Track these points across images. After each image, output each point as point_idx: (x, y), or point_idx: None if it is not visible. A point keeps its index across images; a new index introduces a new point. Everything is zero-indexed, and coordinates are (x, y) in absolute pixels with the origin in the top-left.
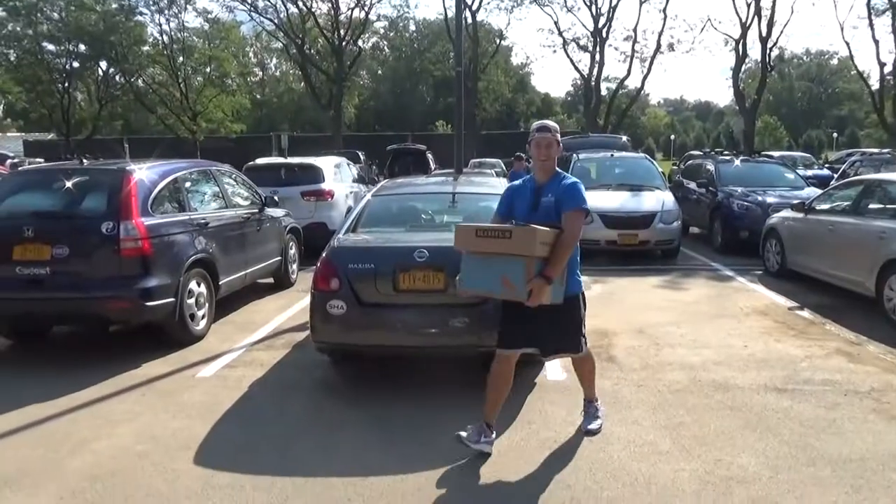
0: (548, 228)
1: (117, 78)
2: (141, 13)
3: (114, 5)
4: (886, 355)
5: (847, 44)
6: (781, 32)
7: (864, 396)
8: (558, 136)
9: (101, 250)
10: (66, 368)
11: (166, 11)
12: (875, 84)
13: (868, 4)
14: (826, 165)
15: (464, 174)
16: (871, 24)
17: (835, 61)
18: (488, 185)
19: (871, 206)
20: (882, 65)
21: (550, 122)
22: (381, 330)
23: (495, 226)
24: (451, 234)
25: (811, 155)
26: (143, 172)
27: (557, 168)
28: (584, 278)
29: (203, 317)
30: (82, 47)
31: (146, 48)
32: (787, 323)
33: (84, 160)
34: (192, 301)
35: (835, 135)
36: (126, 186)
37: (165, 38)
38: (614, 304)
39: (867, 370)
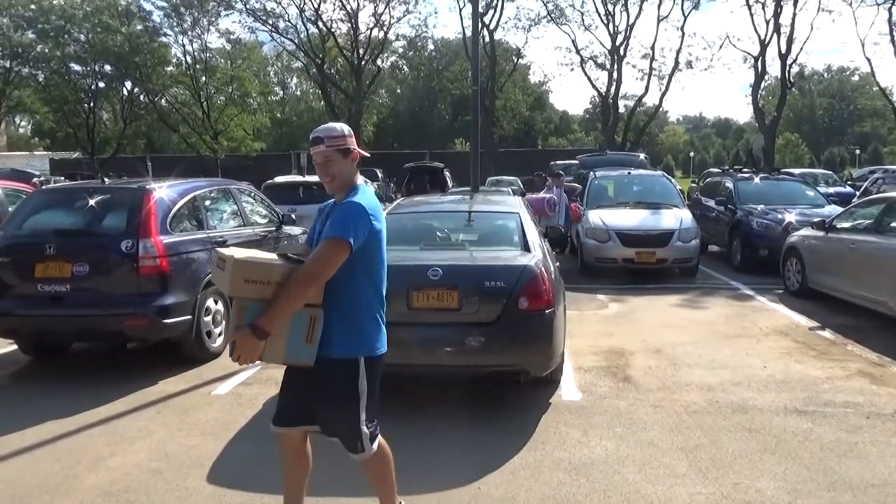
0: (265, 261)
1: (141, 98)
2: (165, 34)
3: (139, 27)
4: None
5: (868, 60)
6: (801, 49)
7: (888, 419)
8: (345, 142)
9: (121, 268)
10: (83, 385)
11: (190, 33)
12: None
13: (889, 20)
14: (849, 182)
15: (480, 192)
16: (892, 40)
17: (856, 77)
18: (505, 204)
19: (894, 224)
20: None
21: (328, 127)
22: (395, 349)
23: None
24: (464, 252)
25: (832, 172)
26: (163, 191)
27: (360, 184)
28: (601, 297)
29: (220, 334)
30: (108, 68)
31: (170, 68)
32: (807, 343)
33: (105, 178)
34: (208, 318)
35: (857, 151)
36: (146, 205)
37: (189, 58)
38: (631, 323)
39: (891, 392)
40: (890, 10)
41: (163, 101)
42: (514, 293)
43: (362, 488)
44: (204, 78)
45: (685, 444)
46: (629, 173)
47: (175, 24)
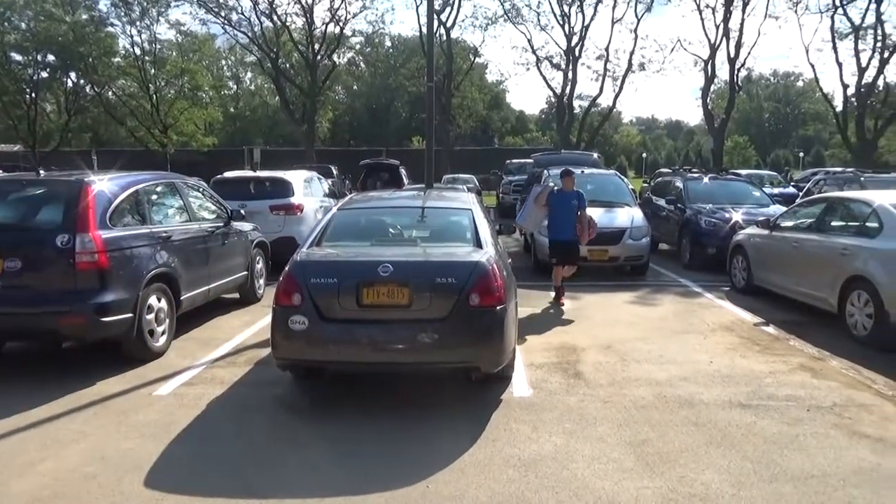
0: None
1: (87, 89)
2: (112, 24)
3: (84, 16)
4: (849, 370)
5: (812, 66)
6: (749, 54)
7: (827, 412)
8: None
9: (56, 264)
10: (16, 387)
11: (138, 23)
12: (839, 105)
13: (832, 28)
14: (792, 183)
15: (434, 189)
16: (834, 48)
17: (800, 83)
18: (458, 200)
19: (834, 223)
20: (845, 87)
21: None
22: (344, 346)
23: None
24: (416, 248)
25: (777, 173)
26: (103, 184)
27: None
28: (553, 293)
29: (163, 333)
30: (51, 58)
31: (117, 59)
32: (752, 339)
33: (41, 171)
34: (151, 317)
35: (801, 154)
36: (84, 198)
37: (137, 49)
38: (583, 320)
39: (830, 385)
40: (832, 18)
41: (109, 93)
42: (466, 289)
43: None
44: (153, 70)
45: (633, 438)
46: (583, 172)
47: (123, 13)
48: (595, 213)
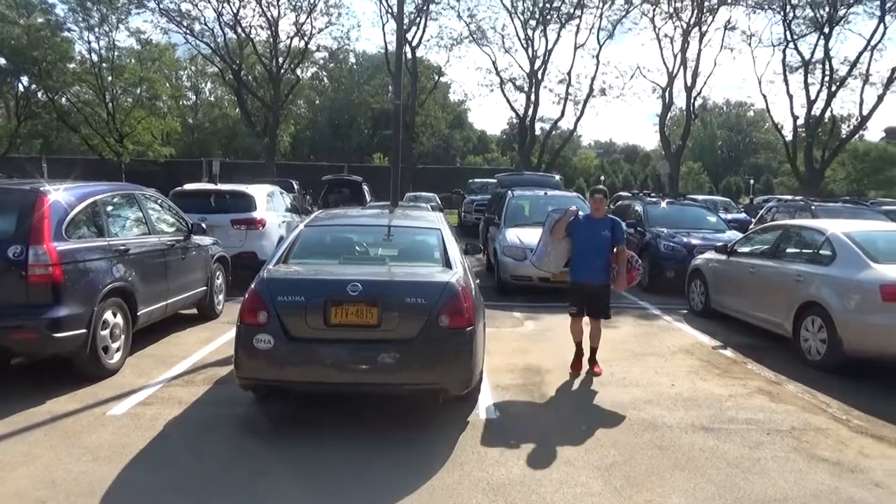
0: None
1: (39, 94)
2: (69, 29)
3: (40, 20)
4: (804, 394)
5: (764, 97)
6: (705, 83)
7: (786, 435)
8: None
9: (7, 276)
10: None
11: (97, 29)
12: (789, 135)
13: (783, 61)
14: (743, 209)
15: (400, 207)
16: (785, 80)
17: (751, 113)
18: (424, 220)
19: (789, 250)
20: (795, 118)
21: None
22: (311, 366)
23: None
24: (385, 267)
25: (730, 199)
26: (59, 194)
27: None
28: (517, 314)
29: (118, 349)
30: (2, 61)
31: (72, 65)
32: (711, 362)
33: None
34: (106, 332)
35: (752, 181)
36: (39, 208)
37: (94, 56)
38: (547, 341)
39: (787, 409)
40: (784, 51)
41: (63, 99)
42: (435, 310)
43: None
44: (110, 77)
45: (600, 462)
46: (546, 193)
47: (81, 19)
48: None
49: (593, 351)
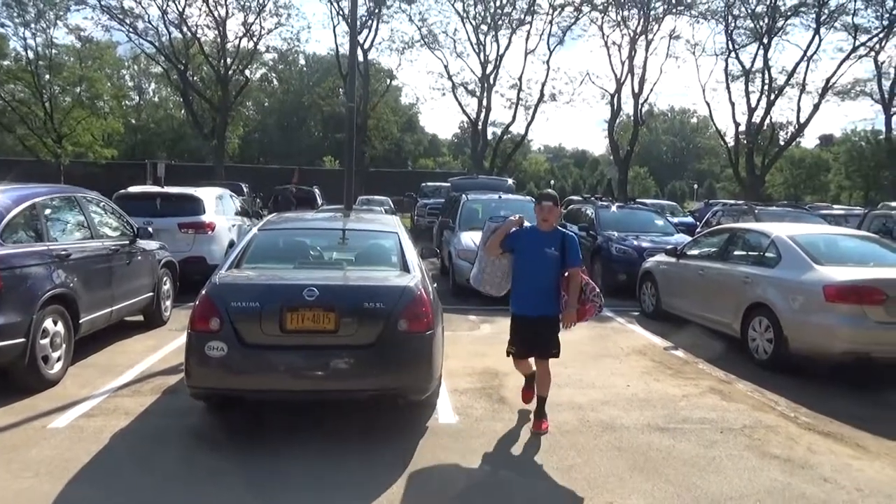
0: None
1: None
2: (3, 25)
3: None
4: (754, 393)
5: (707, 104)
6: (651, 90)
7: (738, 433)
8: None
9: None
10: None
11: (33, 25)
12: (731, 141)
13: (725, 70)
14: (688, 213)
15: (354, 210)
16: (727, 88)
17: (695, 119)
18: (381, 223)
19: (736, 252)
20: (737, 124)
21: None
22: (266, 373)
23: None
24: (341, 272)
25: (676, 203)
26: None
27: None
28: (473, 317)
29: (59, 359)
30: None
31: (6, 62)
32: (663, 363)
33: None
34: (46, 341)
35: (695, 186)
36: None
37: (30, 53)
38: (503, 344)
39: (738, 408)
40: (727, 61)
41: None
42: (394, 315)
43: None
44: (48, 76)
45: (560, 464)
46: (500, 197)
47: (15, 14)
48: None
49: (541, 401)
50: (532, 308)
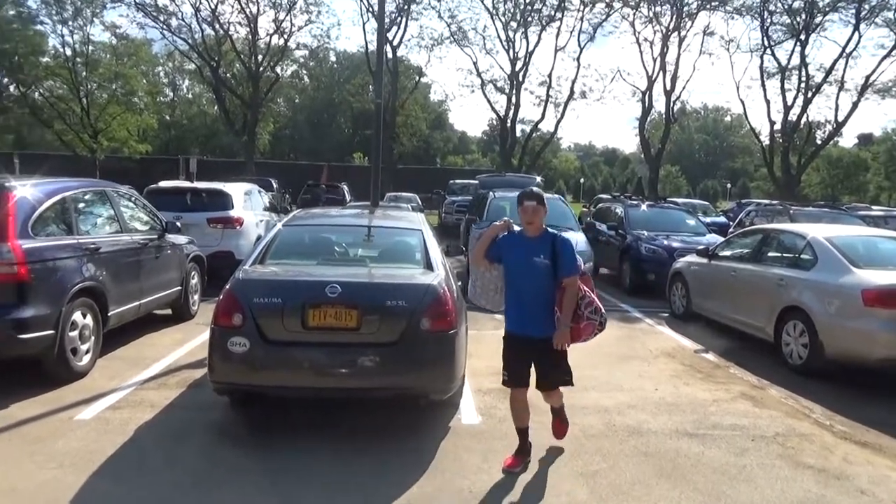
0: None
1: (11, 89)
2: (42, 22)
3: (11, 12)
4: (787, 399)
5: (742, 102)
6: (684, 87)
7: (771, 441)
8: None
9: None
10: None
11: (71, 23)
12: (765, 140)
13: (761, 67)
14: (721, 213)
15: (380, 207)
16: (763, 86)
17: (729, 117)
18: (406, 220)
19: (771, 254)
20: (772, 123)
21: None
22: (288, 370)
23: None
24: (365, 269)
25: (709, 203)
26: (26, 190)
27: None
28: (499, 316)
29: (87, 351)
30: None
31: (45, 59)
32: (693, 366)
33: None
34: (75, 334)
35: (728, 185)
36: (4, 205)
37: (68, 50)
38: None
39: (771, 414)
40: (762, 57)
41: (36, 94)
42: (417, 313)
43: None
44: (85, 72)
45: (585, 469)
46: None
47: (54, 12)
48: None
49: (555, 411)
50: (525, 326)
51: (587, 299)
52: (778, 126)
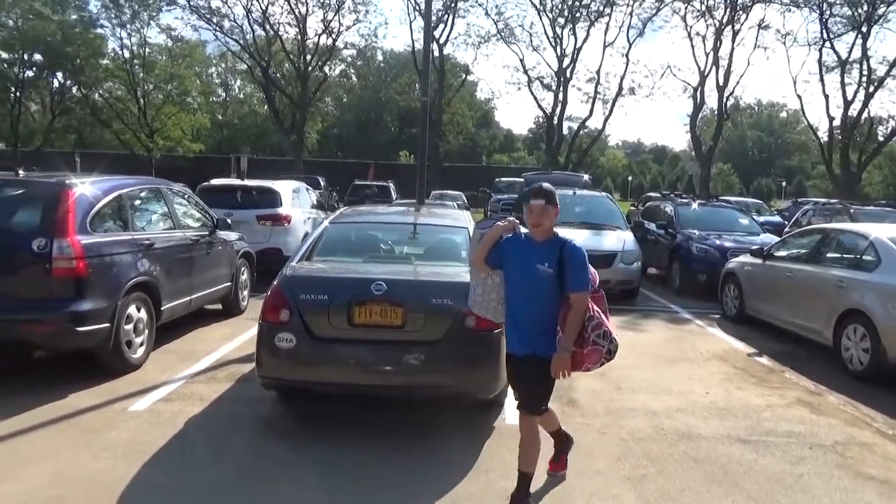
0: None
1: (73, 90)
2: (101, 26)
3: (73, 16)
4: (847, 406)
5: (799, 97)
6: (738, 83)
7: (829, 450)
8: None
9: (31, 269)
10: None
11: (128, 26)
12: (824, 136)
13: (819, 61)
14: (776, 212)
15: (426, 205)
16: (821, 80)
17: (784, 113)
18: (451, 217)
19: (830, 255)
20: (831, 118)
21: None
22: (334, 366)
23: None
24: (410, 266)
25: (762, 202)
26: (85, 187)
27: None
28: None
29: (141, 344)
30: (37, 57)
31: (105, 61)
32: (746, 369)
33: (20, 171)
34: (129, 327)
35: (783, 183)
36: (64, 201)
37: (126, 52)
38: None
39: (829, 422)
40: (820, 51)
41: (96, 95)
42: (462, 311)
43: None
44: (142, 74)
45: (632, 473)
46: (574, 193)
47: (113, 15)
48: (585, 235)
49: (522, 479)
50: (518, 344)
51: (595, 320)
52: (837, 122)
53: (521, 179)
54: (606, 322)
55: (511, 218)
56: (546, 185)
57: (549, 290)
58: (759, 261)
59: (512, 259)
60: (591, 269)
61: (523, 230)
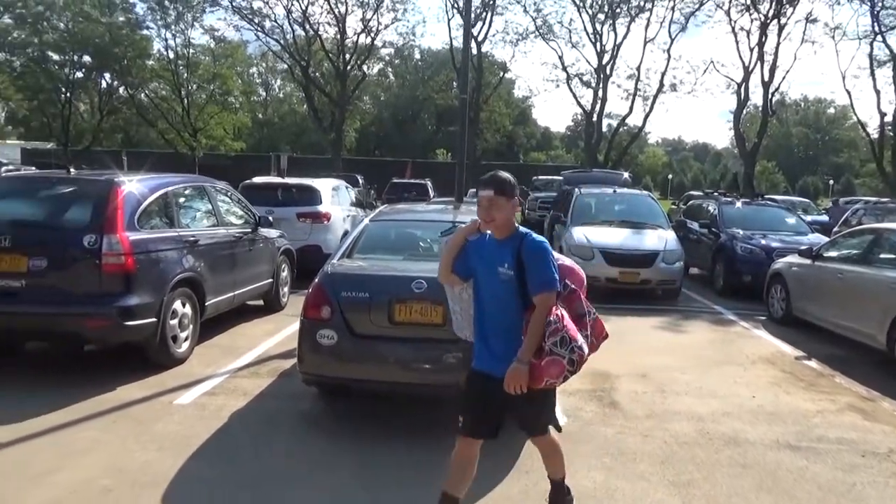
0: None
1: (120, 90)
2: (148, 27)
3: (121, 18)
4: None
5: (848, 92)
6: (783, 78)
7: (883, 459)
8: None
9: (82, 264)
10: (34, 389)
11: (173, 27)
12: (874, 133)
13: (870, 55)
14: (823, 211)
15: (464, 203)
16: (872, 75)
17: (832, 110)
18: None
19: (883, 255)
20: (882, 115)
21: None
22: (374, 364)
23: None
24: None
25: (809, 200)
26: (133, 185)
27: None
28: None
29: (186, 339)
30: (87, 58)
31: (150, 62)
32: (794, 373)
33: (71, 169)
34: (175, 322)
35: (831, 182)
36: (113, 199)
37: (171, 53)
38: (614, 345)
39: (884, 429)
40: (871, 45)
41: (142, 95)
42: None
43: None
44: (186, 74)
45: (677, 478)
46: (614, 191)
47: (159, 17)
48: (626, 234)
49: (556, 486)
50: (479, 359)
51: (552, 326)
52: (889, 118)
53: (560, 177)
54: (571, 327)
55: (474, 218)
56: (500, 173)
57: (508, 295)
58: (807, 261)
59: (476, 264)
60: (569, 263)
61: (489, 231)
